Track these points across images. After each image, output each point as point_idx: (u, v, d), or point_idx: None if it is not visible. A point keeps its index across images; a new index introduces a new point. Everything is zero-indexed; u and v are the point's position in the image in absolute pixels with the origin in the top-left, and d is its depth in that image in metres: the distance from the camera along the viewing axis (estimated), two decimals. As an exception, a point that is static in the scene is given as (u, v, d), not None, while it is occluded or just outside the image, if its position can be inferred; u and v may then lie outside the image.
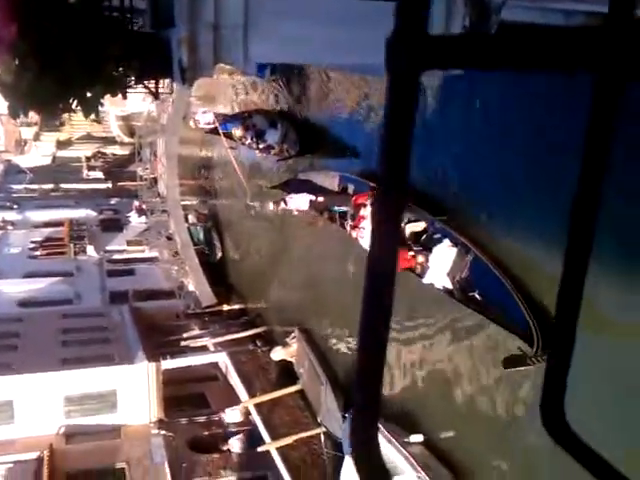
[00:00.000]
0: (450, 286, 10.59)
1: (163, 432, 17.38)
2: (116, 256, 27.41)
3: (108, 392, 18.38)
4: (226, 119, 20.20)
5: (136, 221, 29.00)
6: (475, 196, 10.83)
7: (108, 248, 27.73)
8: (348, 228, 12.85)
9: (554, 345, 0.87)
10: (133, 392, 18.28)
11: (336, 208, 13.62)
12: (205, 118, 20.77)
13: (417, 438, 12.35)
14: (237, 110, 20.71)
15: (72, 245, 27.45)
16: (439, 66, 0.68)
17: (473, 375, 11.08)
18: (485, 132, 10.58)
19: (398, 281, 0.76)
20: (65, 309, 23.26)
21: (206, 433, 17.63)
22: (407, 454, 11.79)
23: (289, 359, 17.81)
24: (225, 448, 17.24)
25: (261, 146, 17.65)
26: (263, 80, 18.29)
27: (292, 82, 17.37)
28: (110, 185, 35.57)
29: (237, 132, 18.85)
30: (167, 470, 16.05)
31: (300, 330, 17.59)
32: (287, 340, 17.93)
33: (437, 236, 11.03)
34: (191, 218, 25.97)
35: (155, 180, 27.97)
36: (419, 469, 11.43)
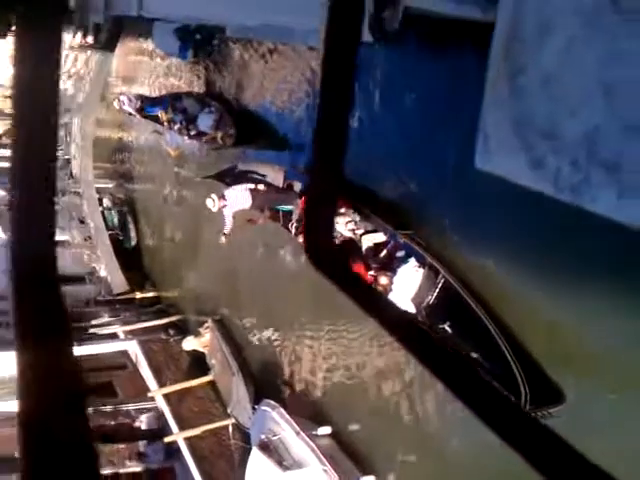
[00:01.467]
0: (415, 314, 9.37)
1: (67, 421, 16.82)
2: (24, 238, 26.24)
3: (10, 378, 17.65)
4: (152, 101, 18.67)
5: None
6: (444, 208, 9.50)
7: (15, 229, 26.51)
8: (293, 230, 11.71)
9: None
10: (36, 380, 17.61)
11: (282, 206, 12.18)
12: (130, 102, 18.78)
13: (325, 430, 12.47)
14: (163, 92, 19.43)
15: (-22, 226, 26.09)
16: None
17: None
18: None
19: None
20: (-34, 291, 22.12)
21: (112, 423, 17.23)
22: (314, 446, 11.88)
23: (201, 349, 17.59)
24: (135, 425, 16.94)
25: (192, 132, 16.23)
26: (186, 60, 17.70)
27: (220, 64, 16.65)
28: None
29: (164, 116, 17.40)
30: (69, 461, 15.56)
31: (214, 320, 17.42)
32: (200, 330, 17.71)
33: (400, 254, 9.76)
34: (106, 202, 25.17)
35: (68, 161, 27.01)
36: (325, 461, 11.48)
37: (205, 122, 15.55)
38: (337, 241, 10.31)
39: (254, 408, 14.34)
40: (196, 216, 18.57)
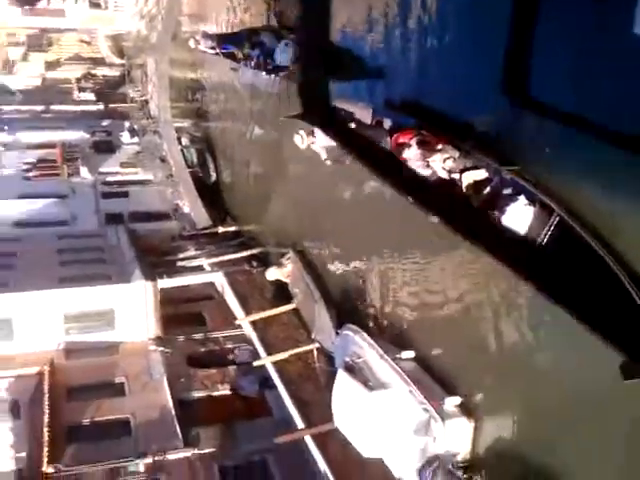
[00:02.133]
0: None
1: (161, 348, 17.81)
2: (110, 178, 27.30)
3: (106, 310, 18.73)
4: (228, 38, 18.00)
5: (129, 142, 28.77)
6: (554, 140, 8.53)
7: (102, 170, 27.58)
8: None
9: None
10: (131, 310, 18.62)
11: None
12: (206, 40, 18.16)
13: (408, 354, 12.52)
14: (236, 29, 19.11)
15: (65, 167, 27.28)
16: None
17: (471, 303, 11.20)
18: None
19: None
20: (61, 230, 23.39)
21: (203, 350, 18.09)
22: (398, 368, 12.00)
23: (284, 279, 18.01)
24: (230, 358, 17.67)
25: (270, 67, 15.49)
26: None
27: None
28: (102, 107, 35.00)
29: (240, 53, 16.69)
30: (165, 384, 16.54)
31: (294, 251, 17.73)
32: (282, 260, 18.09)
33: (507, 191, 8.85)
34: (184, 140, 25.73)
35: (146, 102, 27.63)
36: (410, 383, 11.58)
37: (283, 56, 14.91)
38: (432, 181, 9.79)
39: (337, 332, 14.62)
40: (274, 151, 18.74)
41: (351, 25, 13.65)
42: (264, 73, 16.16)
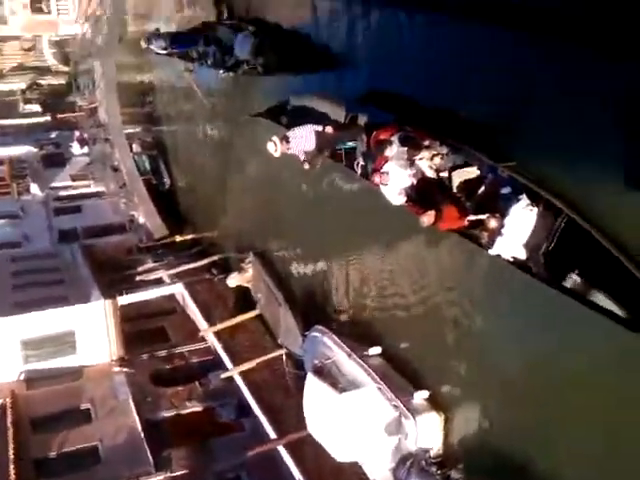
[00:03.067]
0: (531, 262, 7.66)
1: (125, 369, 17.35)
2: (62, 193, 26.61)
3: (66, 333, 18.14)
4: (180, 37, 16.85)
5: (79, 153, 28.04)
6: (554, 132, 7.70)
7: (53, 185, 26.85)
8: (359, 170, 10.20)
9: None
10: (91, 331, 18.08)
11: (344, 144, 10.57)
12: (157, 40, 17.10)
13: (375, 350, 12.40)
14: (187, 27, 17.74)
15: (15, 185, 26.49)
16: None
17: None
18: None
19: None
20: (14, 252, 22.70)
21: (168, 366, 17.66)
22: (366, 366, 11.87)
23: (246, 285, 17.68)
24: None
25: (229, 63, 14.33)
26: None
27: None
28: (49, 118, 34.05)
29: (194, 52, 15.75)
30: (132, 406, 16.10)
31: (255, 254, 17.41)
32: (242, 265, 17.75)
33: (505, 190, 7.87)
34: (135, 147, 25.13)
35: (95, 109, 26.89)
36: (379, 380, 11.50)
37: (243, 47, 13.53)
38: (418, 181, 8.83)
39: (304, 336, 14.38)
40: (230, 153, 18.24)
41: (313, 9, 12.58)
42: (222, 71, 15.04)
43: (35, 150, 29.48)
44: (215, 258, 19.89)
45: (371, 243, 12.49)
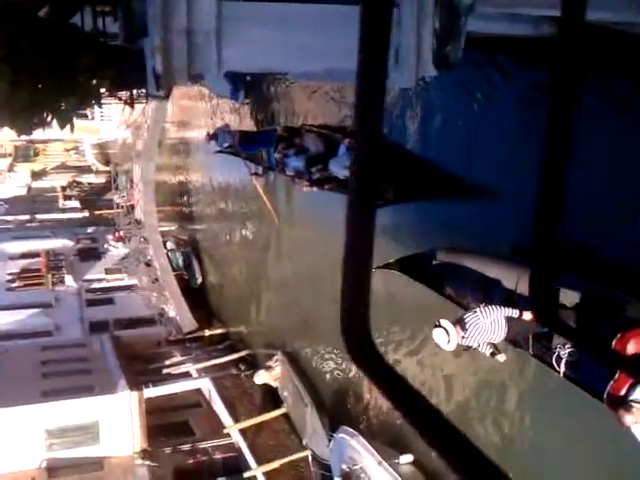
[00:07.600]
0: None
1: (147, 462, 17.12)
2: (95, 285, 27.15)
3: (90, 423, 18.07)
4: (253, 137, 15.18)
5: (114, 249, 28.82)
6: None
7: (87, 277, 27.46)
8: (561, 368, 7.54)
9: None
10: (116, 422, 17.98)
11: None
12: (226, 138, 15.44)
13: (407, 458, 12.13)
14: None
15: (50, 276, 27.14)
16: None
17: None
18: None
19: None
20: (45, 341, 22.95)
21: (191, 461, 17.39)
22: (397, 476, 11.62)
23: (273, 383, 17.67)
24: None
25: (315, 177, 12.08)
26: (238, 102, 18.03)
27: (268, 101, 16.67)
28: (87, 214, 35.36)
29: (264, 154, 14.19)
30: (153, 501, 15.81)
31: (283, 353, 17.48)
32: (270, 363, 17.79)
33: None
34: (169, 244, 25.86)
35: (132, 207, 27.90)
36: (410, 490, 11.27)
37: (343, 162, 11.16)
38: None
39: (331, 437, 14.17)
40: (258, 252, 18.74)
41: (434, 121, 10.30)
42: (306, 184, 12.62)
43: (72, 244, 30.40)
44: (243, 354, 20.00)
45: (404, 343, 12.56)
